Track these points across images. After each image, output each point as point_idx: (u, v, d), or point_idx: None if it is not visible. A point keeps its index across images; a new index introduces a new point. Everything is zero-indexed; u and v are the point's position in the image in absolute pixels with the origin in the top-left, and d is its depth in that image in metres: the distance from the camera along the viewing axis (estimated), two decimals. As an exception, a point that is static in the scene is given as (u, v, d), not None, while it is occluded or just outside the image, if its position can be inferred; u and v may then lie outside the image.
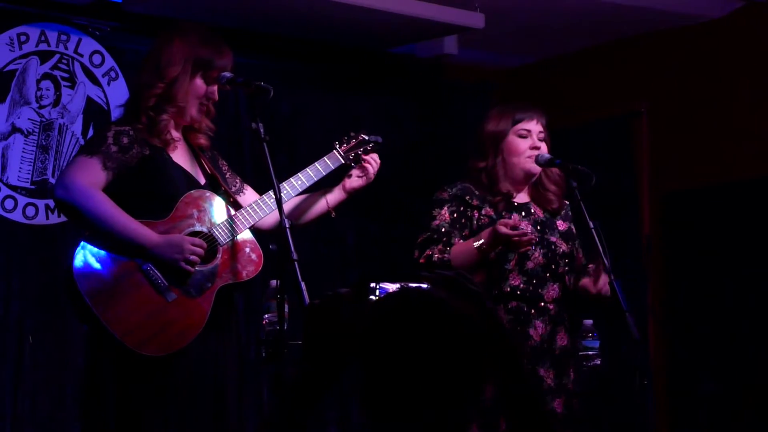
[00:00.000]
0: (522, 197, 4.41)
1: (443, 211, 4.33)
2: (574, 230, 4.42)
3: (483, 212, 4.32)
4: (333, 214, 4.20)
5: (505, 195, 4.33)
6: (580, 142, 6.58)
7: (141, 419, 3.73)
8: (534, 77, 7.07)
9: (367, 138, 4.20)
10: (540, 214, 4.39)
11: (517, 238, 4.09)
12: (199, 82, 3.91)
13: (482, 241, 4.17)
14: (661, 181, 6.54)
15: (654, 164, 6.58)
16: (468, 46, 6.60)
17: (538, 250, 4.28)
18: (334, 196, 4.17)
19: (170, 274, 3.77)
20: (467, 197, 4.33)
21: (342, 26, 6.05)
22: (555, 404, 4.24)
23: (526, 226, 4.30)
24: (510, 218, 4.28)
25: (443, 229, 4.28)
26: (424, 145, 6.75)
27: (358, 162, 4.17)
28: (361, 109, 6.47)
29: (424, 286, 2.23)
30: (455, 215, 4.31)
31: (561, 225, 4.41)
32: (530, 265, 4.26)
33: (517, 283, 4.25)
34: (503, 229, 4.09)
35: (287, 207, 4.00)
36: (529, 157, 4.33)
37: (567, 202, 4.45)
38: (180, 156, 3.94)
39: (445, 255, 4.21)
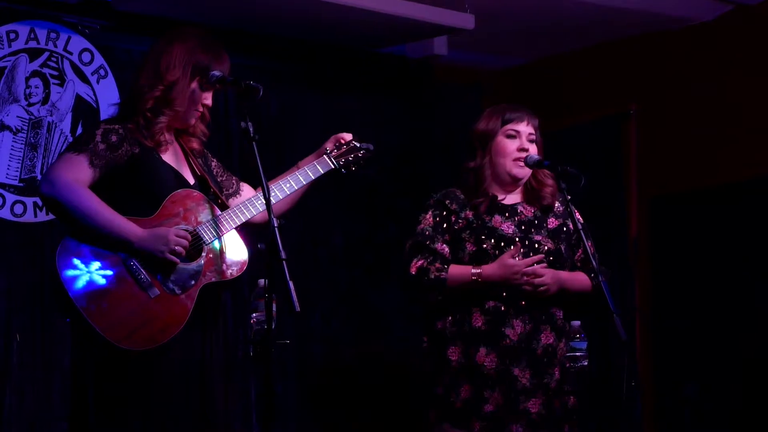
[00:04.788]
0: (512, 198, 4.40)
1: (428, 216, 4.37)
2: (572, 225, 4.37)
3: (462, 215, 4.33)
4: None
5: (489, 197, 4.33)
6: (569, 143, 6.59)
7: (122, 415, 3.73)
8: (523, 79, 7.08)
9: (358, 145, 4.21)
10: (529, 213, 4.38)
11: (525, 277, 4.14)
12: (195, 87, 3.92)
13: (480, 271, 4.21)
14: (649, 183, 6.55)
15: (642, 166, 6.59)
16: (458, 47, 6.61)
17: (518, 250, 4.28)
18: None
19: (154, 270, 3.78)
20: (447, 201, 4.35)
21: (332, 26, 6.05)
22: (529, 404, 4.23)
23: (507, 227, 4.30)
24: (491, 221, 4.29)
25: (426, 233, 4.33)
26: (413, 145, 6.76)
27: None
28: (350, 110, 6.47)
29: None
30: (437, 219, 4.35)
31: (552, 222, 4.39)
32: None
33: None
34: (510, 261, 4.13)
35: (275, 207, 4.01)
36: (516, 159, 4.33)
37: (569, 197, 4.42)
38: (170, 156, 3.95)
39: (442, 274, 4.25)
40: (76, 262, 3.75)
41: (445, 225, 4.34)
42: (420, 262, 4.28)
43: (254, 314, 4.03)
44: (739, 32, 6.21)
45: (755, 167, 6.08)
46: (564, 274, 4.31)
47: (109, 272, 3.76)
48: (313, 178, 4.11)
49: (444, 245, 4.30)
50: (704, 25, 6.34)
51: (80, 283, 3.73)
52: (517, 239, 4.28)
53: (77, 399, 3.81)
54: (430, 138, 6.81)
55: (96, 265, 3.76)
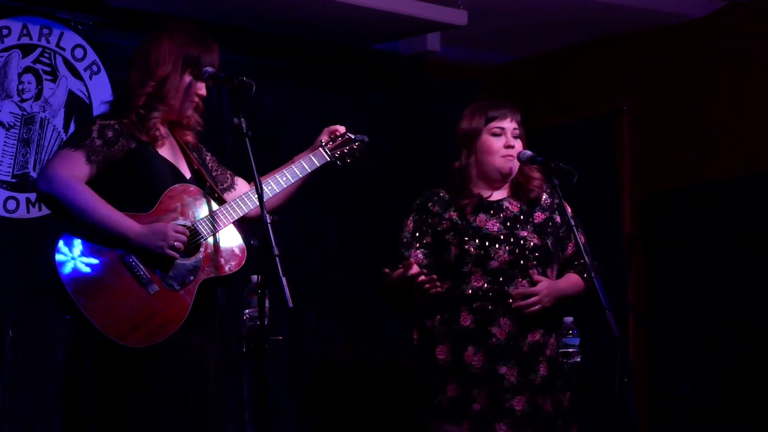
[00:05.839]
0: (498, 194, 4.37)
1: (409, 221, 4.38)
2: (559, 218, 4.36)
3: (446, 216, 4.32)
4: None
5: (475, 197, 4.32)
6: (562, 140, 6.60)
7: (121, 412, 3.73)
8: (517, 75, 7.08)
9: (353, 137, 4.20)
10: (515, 208, 4.35)
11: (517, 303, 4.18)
12: (188, 79, 3.92)
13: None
14: (643, 179, 6.56)
15: (636, 163, 6.59)
16: (451, 43, 6.61)
17: (503, 247, 4.27)
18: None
19: (153, 266, 3.77)
20: (429, 204, 4.35)
21: (325, 22, 6.05)
22: (514, 402, 4.21)
23: (492, 225, 4.29)
24: (475, 220, 4.28)
25: (405, 240, 4.35)
26: (406, 141, 6.76)
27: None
28: (344, 106, 6.47)
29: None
30: (417, 224, 4.35)
31: (538, 216, 4.37)
32: (494, 264, 4.24)
33: (480, 284, 4.23)
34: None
35: (272, 201, 4.01)
36: (504, 156, 4.31)
37: (557, 183, 4.38)
38: (166, 151, 3.94)
39: (387, 278, 4.29)
40: (75, 258, 3.74)
41: (424, 228, 4.33)
42: (386, 270, 4.31)
43: (247, 310, 4.03)
44: (732, 28, 6.21)
45: (749, 164, 6.08)
46: (562, 285, 4.29)
47: (107, 268, 3.75)
48: (308, 170, 4.11)
49: (417, 251, 4.30)
50: (697, 21, 6.35)
51: (79, 280, 3.72)
52: (502, 236, 4.27)
53: (73, 396, 3.81)
54: (424, 135, 6.80)
55: (94, 261, 3.75)
